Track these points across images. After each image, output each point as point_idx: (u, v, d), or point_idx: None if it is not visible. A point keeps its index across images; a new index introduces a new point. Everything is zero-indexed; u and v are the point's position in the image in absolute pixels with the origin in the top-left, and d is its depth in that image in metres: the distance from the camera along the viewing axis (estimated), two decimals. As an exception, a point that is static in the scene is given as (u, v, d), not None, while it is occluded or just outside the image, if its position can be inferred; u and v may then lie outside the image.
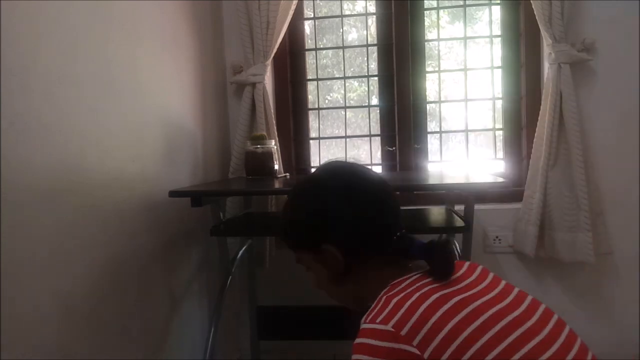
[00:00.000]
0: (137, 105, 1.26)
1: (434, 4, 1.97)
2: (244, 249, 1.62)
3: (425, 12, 1.93)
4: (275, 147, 1.67)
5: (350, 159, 0.85)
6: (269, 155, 1.62)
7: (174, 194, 1.27)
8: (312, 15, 2.02)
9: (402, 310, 0.69)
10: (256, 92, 1.77)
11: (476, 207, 1.82)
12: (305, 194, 0.86)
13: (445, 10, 2.00)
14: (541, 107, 1.70)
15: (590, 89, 1.72)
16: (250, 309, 1.81)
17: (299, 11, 1.94)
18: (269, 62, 1.79)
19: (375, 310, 0.71)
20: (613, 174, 1.72)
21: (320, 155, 2.05)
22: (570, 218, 1.64)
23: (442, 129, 1.98)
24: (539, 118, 1.71)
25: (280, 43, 1.81)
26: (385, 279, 0.77)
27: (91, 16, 1.06)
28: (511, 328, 0.70)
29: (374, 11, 1.96)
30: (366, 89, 2.05)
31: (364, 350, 0.67)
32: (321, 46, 2.07)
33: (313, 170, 1.79)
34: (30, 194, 0.87)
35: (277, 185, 1.49)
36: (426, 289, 0.72)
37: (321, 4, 2.06)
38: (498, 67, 1.91)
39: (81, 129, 1.02)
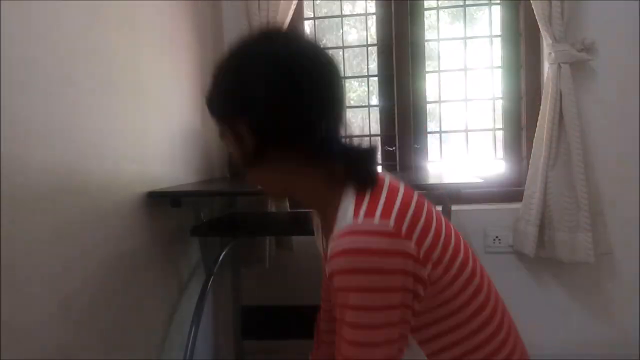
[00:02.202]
0: (137, 105, 1.26)
1: (434, 4, 1.97)
2: (227, 249, 1.63)
3: (425, 12, 1.93)
4: None
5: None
6: None
7: (153, 195, 1.28)
8: (312, 16, 2.02)
9: (397, 205, 0.64)
10: (256, 92, 1.77)
11: (476, 207, 1.83)
12: (232, 59, 0.74)
13: (445, 10, 2.00)
14: (541, 107, 1.70)
15: (590, 89, 1.72)
16: (235, 308, 1.81)
17: (299, 11, 1.94)
18: (269, 62, 1.79)
19: (365, 205, 0.64)
20: (613, 174, 1.72)
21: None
22: (570, 218, 1.64)
23: (442, 129, 1.98)
24: (539, 118, 1.71)
25: (280, 43, 1.80)
26: (317, 180, 0.71)
27: (91, 16, 1.06)
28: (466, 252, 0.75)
29: (374, 11, 1.96)
30: (366, 89, 2.05)
31: (368, 253, 0.60)
32: (321, 46, 2.07)
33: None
34: (30, 194, 0.87)
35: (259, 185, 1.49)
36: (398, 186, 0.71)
37: (321, 4, 2.05)
38: (498, 67, 1.91)
39: (81, 129, 1.02)
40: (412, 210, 0.65)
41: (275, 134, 0.69)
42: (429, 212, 0.69)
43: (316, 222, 0.88)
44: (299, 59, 0.69)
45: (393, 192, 0.67)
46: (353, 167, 0.68)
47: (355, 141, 0.74)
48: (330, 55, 0.73)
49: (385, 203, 0.64)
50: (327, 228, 0.75)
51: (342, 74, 0.77)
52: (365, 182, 0.67)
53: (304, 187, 0.74)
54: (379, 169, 0.77)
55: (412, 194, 0.70)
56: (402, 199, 0.66)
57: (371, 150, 0.71)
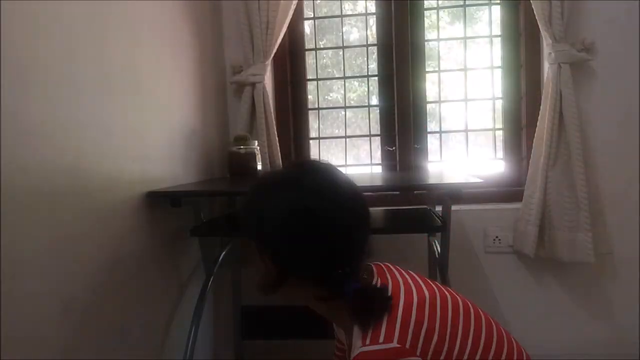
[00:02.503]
0: (136, 105, 1.26)
1: (434, 4, 1.97)
2: (227, 249, 1.63)
3: (425, 12, 1.93)
4: (257, 148, 1.67)
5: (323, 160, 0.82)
6: (251, 155, 1.63)
7: (152, 195, 1.28)
8: (312, 15, 2.02)
9: (398, 324, 0.70)
10: (256, 92, 1.77)
11: (476, 207, 1.83)
12: (261, 190, 0.79)
13: (445, 10, 2.00)
14: (541, 107, 1.70)
15: (590, 89, 1.72)
16: (235, 308, 1.81)
17: (299, 11, 1.94)
18: (269, 62, 1.79)
19: (371, 332, 0.69)
20: (613, 174, 1.72)
21: (320, 155, 2.05)
22: (570, 218, 1.64)
23: (442, 129, 1.98)
24: (539, 118, 1.71)
25: (280, 43, 1.81)
26: (332, 306, 0.77)
27: (90, 16, 1.06)
28: (466, 316, 0.76)
29: (374, 11, 1.96)
30: (366, 89, 2.05)
31: None
32: (321, 46, 2.07)
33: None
34: (30, 194, 0.87)
35: None
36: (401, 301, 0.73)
37: (321, 4, 2.05)
38: (498, 67, 1.91)
39: (81, 129, 1.02)
40: (413, 322, 0.70)
41: (293, 269, 0.76)
42: (432, 311, 0.73)
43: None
44: (322, 205, 0.73)
45: (393, 313, 0.71)
46: (361, 309, 0.72)
47: (366, 280, 0.78)
48: (358, 193, 0.78)
49: (386, 329, 0.69)
50: (348, 333, 0.79)
51: (368, 214, 0.79)
52: (369, 323, 0.71)
53: (319, 307, 0.81)
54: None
55: (411, 302, 0.73)
56: (402, 316, 0.70)
57: (383, 290, 0.74)
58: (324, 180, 0.77)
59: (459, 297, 0.80)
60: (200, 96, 1.68)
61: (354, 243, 0.76)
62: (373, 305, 0.72)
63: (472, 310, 0.79)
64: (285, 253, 0.74)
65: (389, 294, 0.73)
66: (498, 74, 1.91)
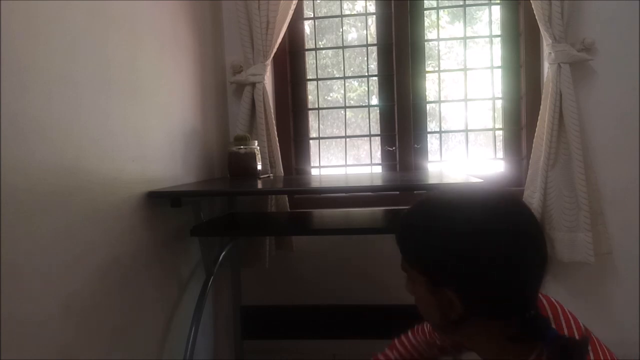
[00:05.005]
0: (136, 105, 1.26)
1: (434, 4, 1.97)
2: (227, 249, 1.63)
3: (425, 12, 1.94)
4: (257, 147, 1.67)
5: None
6: (251, 155, 1.64)
7: (152, 195, 1.28)
8: (312, 15, 2.02)
9: None
10: (256, 92, 1.77)
11: (476, 207, 1.83)
12: (453, 223, 0.69)
13: (445, 10, 2.00)
14: (541, 107, 1.70)
15: (590, 89, 1.72)
16: (234, 308, 1.82)
17: (298, 11, 1.94)
18: (269, 62, 1.79)
19: None
20: (613, 174, 1.72)
21: (320, 155, 2.05)
22: (570, 218, 1.65)
23: (442, 129, 1.98)
24: (538, 118, 1.71)
25: (280, 43, 1.81)
26: (505, 351, 0.70)
27: (90, 16, 1.06)
28: None
29: (374, 11, 1.96)
30: (366, 89, 2.05)
31: None
32: (321, 46, 2.07)
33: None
34: (30, 194, 0.87)
35: (259, 185, 1.50)
36: None
37: (321, 4, 2.05)
38: (498, 67, 1.91)
39: (80, 129, 1.02)
40: None
41: (485, 306, 0.69)
42: None
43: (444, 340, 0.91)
44: (532, 240, 0.69)
45: None
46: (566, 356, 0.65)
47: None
48: (530, 219, 0.71)
49: None
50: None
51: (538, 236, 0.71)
52: None
53: (490, 349, 0.73)
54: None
55: None
56: None
57: (583, 343, 0.68)
58: (525, 214, 0.71)
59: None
60: (200, 96, 1.68)
61: (541, 279, 0.71)
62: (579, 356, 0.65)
63: None
64: (478, 290, 0.67)
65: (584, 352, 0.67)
66: (498, 73, 1.91)
